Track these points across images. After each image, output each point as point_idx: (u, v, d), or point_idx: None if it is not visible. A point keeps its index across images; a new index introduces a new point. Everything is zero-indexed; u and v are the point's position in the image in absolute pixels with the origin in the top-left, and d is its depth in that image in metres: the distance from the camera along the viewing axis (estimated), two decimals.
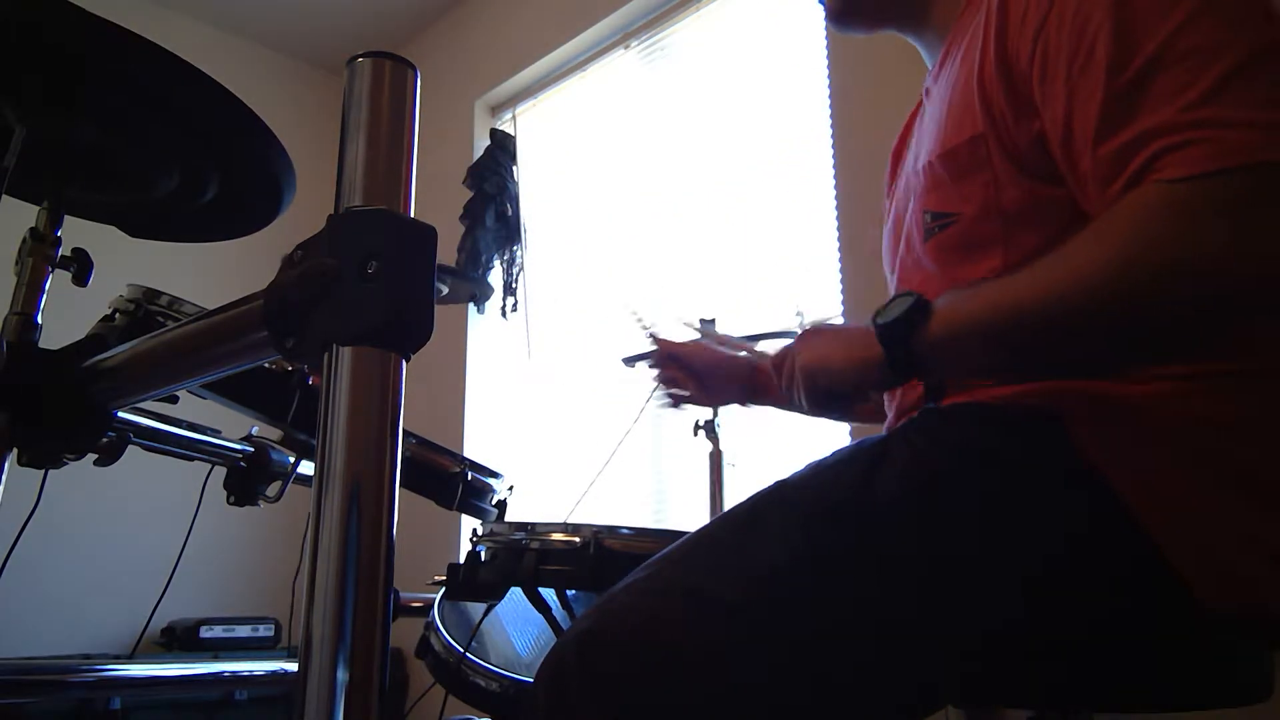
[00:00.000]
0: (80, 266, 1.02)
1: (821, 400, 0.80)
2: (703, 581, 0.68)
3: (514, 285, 3.08)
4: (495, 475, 1.36)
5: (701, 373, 1.16)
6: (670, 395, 1.19)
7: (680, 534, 0.78)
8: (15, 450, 0.91)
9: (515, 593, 0.97)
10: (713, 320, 1.70)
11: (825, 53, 2.26)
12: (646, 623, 0.67)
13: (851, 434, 1.83)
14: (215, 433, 1.30)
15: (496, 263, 3.10)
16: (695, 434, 1.71)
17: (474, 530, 1.04)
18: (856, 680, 0.65)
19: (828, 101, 2.25)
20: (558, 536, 0.92)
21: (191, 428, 1.26)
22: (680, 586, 0.68)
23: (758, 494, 0.73)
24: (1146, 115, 0.61)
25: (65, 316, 1.07)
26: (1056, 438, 0.67)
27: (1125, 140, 0.63)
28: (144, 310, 1.06)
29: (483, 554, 0.96)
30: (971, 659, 0.67)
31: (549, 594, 0.96)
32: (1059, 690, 0.71)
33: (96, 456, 1.04)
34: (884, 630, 0.65)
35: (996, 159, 0.76)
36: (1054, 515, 0.67)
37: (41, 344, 0.95)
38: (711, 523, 0.74)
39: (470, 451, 2.70)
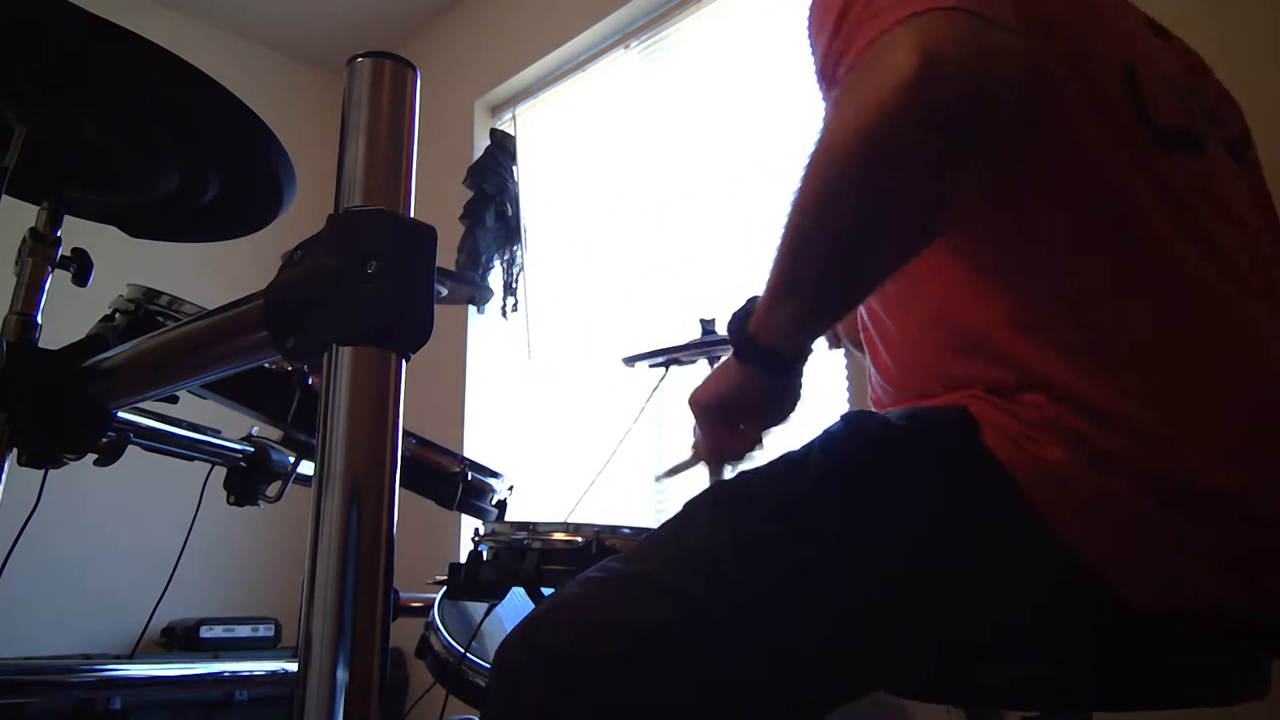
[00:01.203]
0: (80, 266, 1.02)
1: (713, 416, 0.89)
2: (639, 567, 0.73)
3: (514, 285, 3.07)
4: (495, 475, 1.36)
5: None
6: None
7: None
8: (15, 450, 0.91)
9: (516, 592, 0.97)
10: (713, 320, 1.69)
11: None
12: (586, 604, 0.71)
13: None
14: (215, 433, 1.30)
15: (496, 263, 3.10)
16: (695, 434, 1.70)
17: (476, 530, 1.04)
18: (774, 657, 0.68)
19: None
20: (559, 536, 0.92)
21: (191, 428, 1.26)
22: (619, 573, 0.73)
23: (699, 493, 0.78)
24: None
25: (65, 316, 1.07)
26: (967, 432, 0.71)
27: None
28: (144, 310, 1.06)
29: (485, 553, 0.96)
30: (882, 645, 0.69)
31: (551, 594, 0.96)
32: (963, 678, 0.74)
33: (96, 456, 1.05)
34: (794, 610, 0.68)
35: None
36: (960, 501, 0.69)
37: (41, 344, 0.95)
38: (662, 523, 0.78)
39: (470, 451, 2.70)
